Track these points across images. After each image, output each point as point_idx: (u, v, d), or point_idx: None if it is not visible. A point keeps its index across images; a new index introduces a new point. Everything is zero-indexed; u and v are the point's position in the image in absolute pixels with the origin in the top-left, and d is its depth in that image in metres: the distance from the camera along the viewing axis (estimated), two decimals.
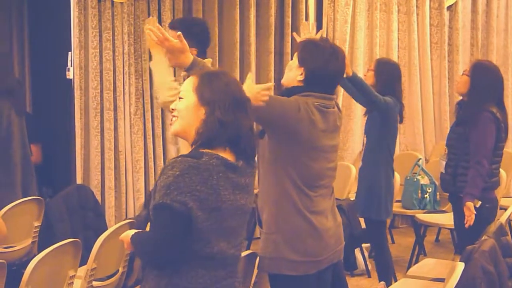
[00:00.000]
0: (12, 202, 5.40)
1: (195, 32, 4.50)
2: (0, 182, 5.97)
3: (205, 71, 2.96)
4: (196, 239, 2.71)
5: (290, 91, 3.73)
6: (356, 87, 5.62)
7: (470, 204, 5.13)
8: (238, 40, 7.57)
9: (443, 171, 5.51)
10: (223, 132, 2.74)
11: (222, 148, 2.76)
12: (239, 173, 2.80)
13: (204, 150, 2.73)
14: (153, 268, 2.81)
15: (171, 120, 2.90)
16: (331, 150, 3.78)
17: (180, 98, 2.85)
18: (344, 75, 5.22)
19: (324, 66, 3.69)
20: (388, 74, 5.88)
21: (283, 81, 3.88)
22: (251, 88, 3.50)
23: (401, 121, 5.95)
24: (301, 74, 3.71)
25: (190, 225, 2.67)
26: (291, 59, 4.21)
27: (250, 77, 3.53)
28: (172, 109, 2.88)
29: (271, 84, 3.77)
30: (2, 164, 5.95)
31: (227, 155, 2.77)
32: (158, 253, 2.72)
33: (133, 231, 2.87)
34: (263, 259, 3.77)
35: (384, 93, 5.70)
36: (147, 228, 2.91)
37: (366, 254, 6.74)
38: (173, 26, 4.57)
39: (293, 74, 3.76)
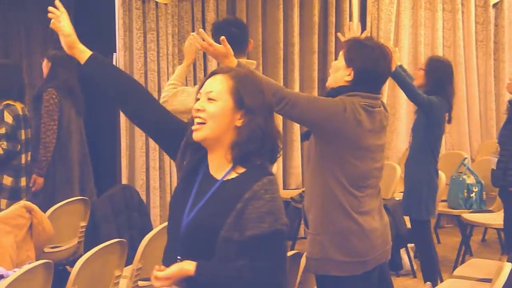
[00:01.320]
0: (69, 198, 5.48)
1: (228, 34, 4.48)
2: (58, 178, 6.08)
3: (235, 72, 2.68)
4: None
5: (337, 91, 3.69)
6: (397, 82, 5.60)
7: None
8: (282, 39, 7.57)
9: (494, 167, 5.47)
10: (263, 142, 2.58)
11: (259, 157, 2.61)
12: None
13: (260, 162, 2.59)
14: None
15: (196, 123, 2.61)
16: (378, 150, 3.75)
17: (210, 99, 2.60)
18: None
19: (374, 66, 3.65)
20: (440, 73, 5.81)
21: (328, 83, 3.84)
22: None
23: (449, 121, 5.88)
24: (349, 75, 3.67)
25: None
26: (335, 58, 4.18)
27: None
28: (198, 109, 2.61)
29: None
30: (60, 161, 6.07)
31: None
32: (280, 281, 2.53)
33: (188, 264, 2.52)
34: (310, 260, 3.74)
35: (434, 92, 5.66)
36: None
37: (411, 254, 6.70)
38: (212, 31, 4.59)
39: (340, 74, 3.71)
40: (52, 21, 3.04)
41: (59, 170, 6.11)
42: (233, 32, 4.44)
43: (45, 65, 6.25)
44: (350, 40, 3.95)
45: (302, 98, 3.54)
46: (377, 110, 3.72)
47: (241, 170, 2.59)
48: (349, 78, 3.67)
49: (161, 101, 4.28)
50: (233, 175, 2.60)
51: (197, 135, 2.60)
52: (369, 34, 7.74)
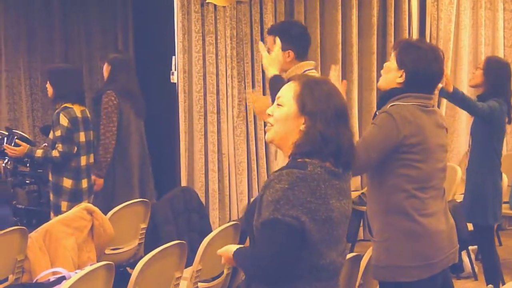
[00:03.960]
0: (128, 199, 5.55)
1: (293, 35, 4.50)
2: (118, 180, 6.15)
3: (306, 78, 2.81)
4: (311, 252, 2.63)
5: (389, 94, 3.70)
6: (456, 104, 5.60)
7: None
8: (340, 41, 7.54)
9: None
10: (324, 146, 2.64)
11: (321, 160, 2.65)
12: (341, 179, 2.72)
13: (307, 160, 2.64)
14: (263, 285, 2.71)
15: (267, 126, 2.81)
16: (439, 150, 3.71)
17: (278, 104, 2.75)
18: (442, 86, 5.22)
19: (426, 68, 3.63)
20: (498, 73, 5.73)
21: (379, 84, 3.84)
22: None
23: (509, 122, 5.79)
24: (401, 76, 3.66)
25: (303, 239, 2.59)
26: None
27: (335, 69, 3.63)
28: (269, 114, 2.79)
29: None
30: (120, 162, 6.14)
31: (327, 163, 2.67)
32: (270, 269, 2.62)
33: (234, 246, 2.83)
34: (377, 268, 3.69)
35: (492, 93, 5.59)
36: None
37: (472, 256, 6.61)
38: (271, 31, 4.60)
39: (392, 76, 3.70)
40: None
41: (119, 172, 6.17)
42: (293, 33, 4.47)
43: (105, 69, 6.34)
44: (402, 41, 3.94)
45: (358, 147, 3.39)
46: (432, 109, 3.71)
47: None
48: (401, 80, 3.67)
49: None
50: None
51: (266, 137, 2.82)
52: (428, 33, 7.78)
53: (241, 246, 2.85)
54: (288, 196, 2.55)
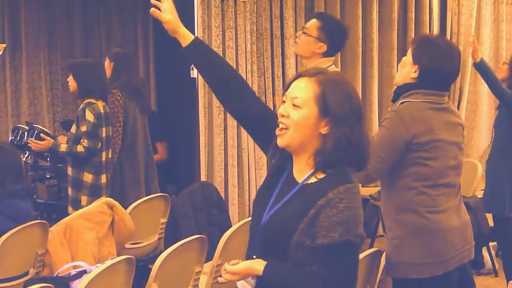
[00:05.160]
0: (137, 199, 5.54)
1: (332, 30, 4.47)
2: (127, 178, 6.16)
3: (324, 77, 2.56)
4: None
5: (401, 89, 3.71)
6: (482, 75, 5.56)
7: None
8: (361, 36, 7.51)
9: None
10: (349, 151, 2.51)
11: (343, 165, 2.55)
12: None
13: (345, 169, 2.53)
14: None
15: (278, 128, 2.57)
16: (452, 147, 3.69)
17: (294, 105, 2.53)
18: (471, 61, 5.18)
19: (440, 65, 3.62)
20: None
21: (396, 79, 3.84)
22: None
23: None
24: (415, 72, 3.66)
25: None
26: None
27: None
28: (282, 115, 2.55)
29: None
30: (128, 160, 6.14)
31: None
32: None
33: (258, 263, 2.54)
34: (389, 265, 3.71)
35: None
36: None
37: (493, 252, 6.59)
38: (317, 16, 4.60)
39: (407, 71, 3.70)
40: (152, 9, 3.03)
41: (127, 171, 6.17)
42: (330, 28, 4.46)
43: (108, 65, 6.28)
44: (421, 36, 3.95)
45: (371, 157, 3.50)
46: (444, 107, 3.70)
47: (321, 175, 2.55)
48: (415, 75, 3.66)
49: None
50: (313, 180, 2.56)
51: (280, 142, 2.57)
52: (449, 28, 7.75)
53: (270, 263, 2.54)
54: (354, 216, 2.45)
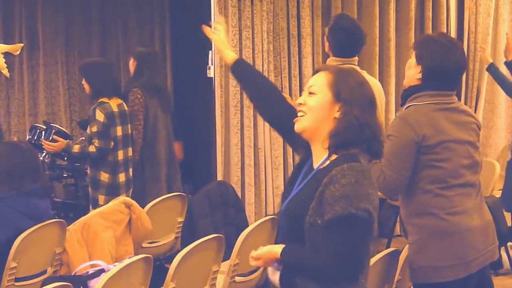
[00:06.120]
0: (157, 197, 5.54)
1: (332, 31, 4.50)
2: (147, 176, 6.17)
3: (336, 68, 2.83)
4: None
5: (408, 92, 3.70)
6: (494, 79, 5.55)
7: None
8: (378, 35, 7.49)
9: None
10: (360, 132, 2.65)
11: (358, 149, 2.67)
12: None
13: (353, 151, 2.65)
14: (317, 283, 2.64)
15: (297, 116, 2.79)
16: (465, 146, 3.65)
17: (310, 93, 2.75)
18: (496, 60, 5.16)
19: (441, 62, 3.59)
20: None
21: (404, 82, 3.82)
22: None
23: None
24: (419, 72, 3.64)
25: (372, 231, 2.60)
26: None
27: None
28: (299, 103, 2.77)
29: None
30: (149, 159, 6.16)
31: (356, 151, 2.68)
32: (344, 267, 2.58)
33: (277, 247, 2.71)
34: (411, 271, 3.69)
35: None
36: None
37: (511, 252, 6.55)
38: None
39: (412, 73, 3.69)
40: (207, 29, 3.60)
41: (148, 169, 6.19)
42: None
43: (131, 64, 6.33)
44: (422, 36, 3.93)
45: (385, 169, 3.55)
46: (453, 106, 3.67)
47: (334, 158, 2.69)
48: (419, 76, 3.65)
49: None
50: (327, 163, 2.70)
51: (297, 126, 2.76)
52: (466, 28, 7.72)
53: (286, 245, 2.72)
54: (357, 190, 2.55)
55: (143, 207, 5.21)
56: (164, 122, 6.33)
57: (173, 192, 5.82)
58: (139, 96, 6.10)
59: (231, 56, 3.41)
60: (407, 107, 3.65)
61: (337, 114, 2.69)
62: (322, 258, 2.57)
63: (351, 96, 2.67)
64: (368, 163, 2.69)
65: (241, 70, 3.38)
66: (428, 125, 3.55)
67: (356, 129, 2.65)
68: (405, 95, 3.70)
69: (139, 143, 6.12)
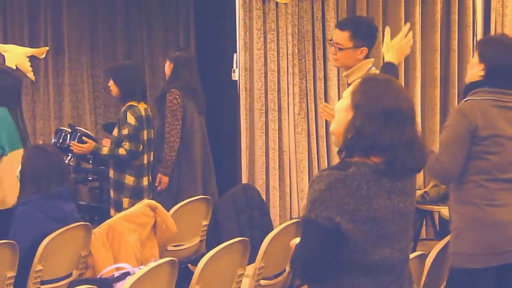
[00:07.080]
0: (193, 197, 5.55)
1: (364, 32, 4.47)
2: (183, 178, 6.18)
3: (371, 75, 2.93)
4: (353, 250, 2.63)
5: (468, 88, 3.86)
6: None
7: None
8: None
9: None
10: (359, 141, 2.64)
11: (365, 156, 2.64)
12: (393, 177, 2.65)
13: (353, 160, 2.65)
14: (308, 282, 2.82)
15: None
16: None
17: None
18: None
19: (504, 61, 3.76)
20: None
21: (466, 79, 4.01)
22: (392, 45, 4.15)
23: None
24: (482, 70, 3.80)
25: (341, 239, 2.60)
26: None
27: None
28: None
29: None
30: (185, 160, 6.17)
31: (377, 160, 2.64)
32: (306, 268, 2.69)
33: (298, 240, 2.83)
34: (450, 256, 3.86)
35: None
36: None
37: None
38: (340, 26, 4.55)
39: (475, 71, 3.85)
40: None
41: (184, 170, 6.20)
42: (363, 30, 4.47)
43: (168, 67, 6.37)
44: (485, 37, 4.09)
45: (442, 156, 3.76)
46: (509, 105, 3.80)
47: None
48: (482, 73, 3.81)
49: None
50: None
51: (330, 128, 2.87)
52: (492, 30, 7.66)
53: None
54: (324, 197, 2.59)
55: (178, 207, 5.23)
56: (199, 123, 6.36)
57: (208, 194, 5.84)
58: (177, 96, 6.13)
59: None
60: (465, 101, 3.82)
61: (348, 121, 2.72)
62: (297, 255, 2.73)
63: (361, 104, 2.67)
64: (372, 171, 2.61)
65: None
66: (481, 118, 3.71)
67: (354, 137, 2.65)
68: (466, 90, 3.88)
69: (177, 143, 6.13)
